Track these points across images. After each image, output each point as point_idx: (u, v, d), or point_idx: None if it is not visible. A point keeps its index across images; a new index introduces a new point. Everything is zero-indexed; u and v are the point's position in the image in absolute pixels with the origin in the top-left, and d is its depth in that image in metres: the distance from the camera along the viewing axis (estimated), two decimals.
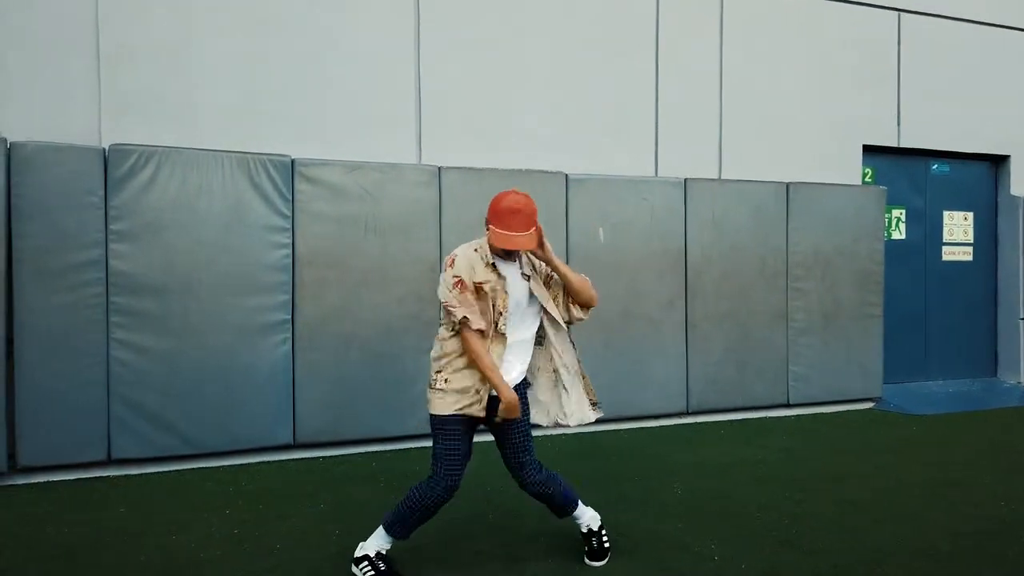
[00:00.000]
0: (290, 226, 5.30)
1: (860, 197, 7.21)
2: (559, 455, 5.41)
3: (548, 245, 3.32)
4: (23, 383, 4.70)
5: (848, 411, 7.07)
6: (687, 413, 6.55)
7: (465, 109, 6.18)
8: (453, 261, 3.20)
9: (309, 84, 5.72)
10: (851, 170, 7.59)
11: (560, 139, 6.45)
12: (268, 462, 5.21)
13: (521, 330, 3.30)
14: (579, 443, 5.79)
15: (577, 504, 3.53)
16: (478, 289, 3.16)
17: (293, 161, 5.34)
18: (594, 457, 5.38)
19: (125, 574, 3.35)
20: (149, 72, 5.31)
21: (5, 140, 4.67)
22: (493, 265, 3.21)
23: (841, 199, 7.09)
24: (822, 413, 6.97)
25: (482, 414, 3.18)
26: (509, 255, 3.28)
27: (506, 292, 3.20)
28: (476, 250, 3.25)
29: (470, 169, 5.84)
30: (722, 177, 7.02)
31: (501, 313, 3.18)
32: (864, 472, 4.99)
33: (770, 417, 6.76)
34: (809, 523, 4.00)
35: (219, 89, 5.49)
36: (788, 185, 6.89)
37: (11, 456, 4.68)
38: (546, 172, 6.07)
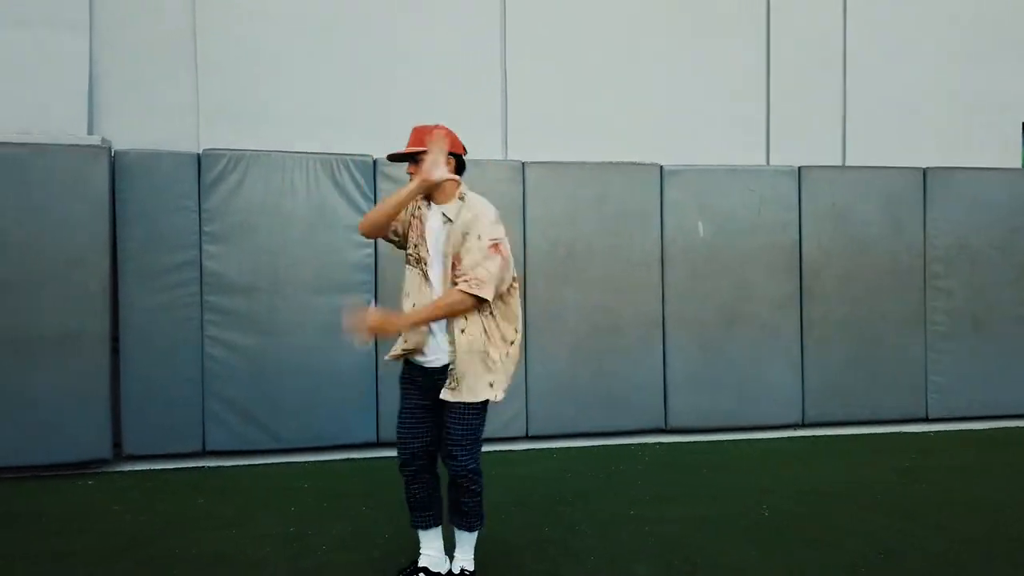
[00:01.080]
0: None
1: (1021, 182, 6.23)
2: (650, 465, 5.05)
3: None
4: (127, 377, 5.02)
5: (1003, 428, 6.12)
6: (802, 425, 5.94)
7: (552, 103, 5.96)
8: None
9: (393, 84, 5.73)
10: (1008, 151, 6.59)
11: (654, 129, 6.07)
12: (350, 459, 5.24)
13: (436, 285, 2.98)
14: (675, 453, 5.39)
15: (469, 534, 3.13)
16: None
17: (375, 161, 5.36)
18: (686, 470, 4.97)
19: (172, 565, 3.43)
20: (242, 78, 5.53)
21: (110, 148, 5.01)
22: (416, 209, 3.05)
23: (994, 185, 6.16)
24: (970, 430, 6.08)
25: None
26: (431, 195, 3.01)
27: (422, 234, 3.01)
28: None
29: (555, 163, 5.61)
30: (846, 163, 6.31)
31: (423, 258, 3.00)
32: (999, 501, 4.24)
33: (904, 433, 5.98)
34: (904, 560, 3.43)
35: (306, 92, 5.62)
36: (925, 171, 6.08)
37: (116, 444, 5.01)
38: (638, 164, 5.72)
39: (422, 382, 3.03)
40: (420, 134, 3.03)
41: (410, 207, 3.05)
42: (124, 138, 5.27)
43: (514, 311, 3.08)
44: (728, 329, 5.80)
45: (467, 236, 2.92)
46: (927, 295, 6.07)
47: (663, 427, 5.71)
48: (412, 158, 3.04)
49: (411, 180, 2.98)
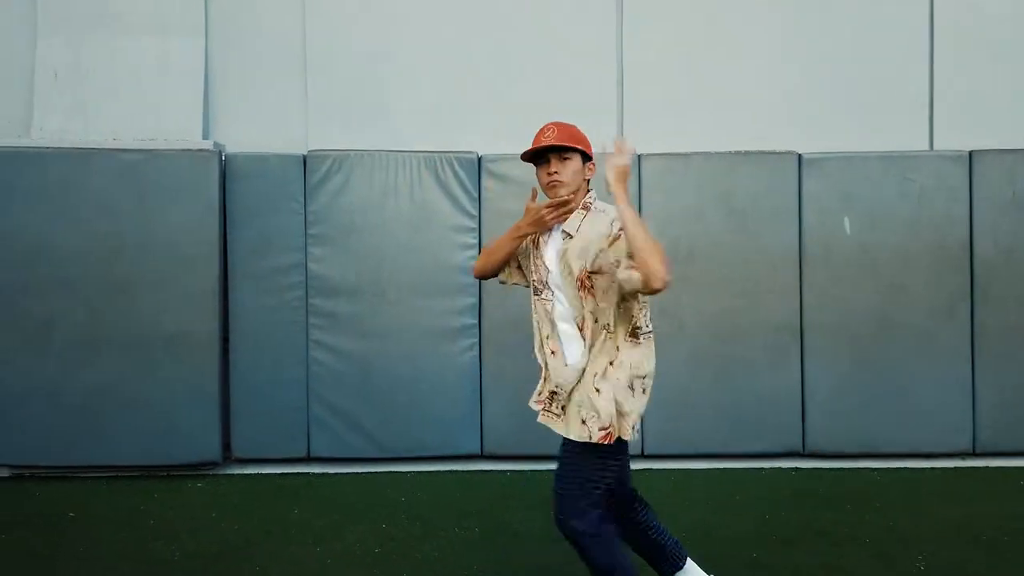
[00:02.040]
0: (477, 225, 5.04)
1: None
2: (783, 496, 4.44)
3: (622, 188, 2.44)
4: (236, 379, 5.03)
5: None
6: (972, 454, 5.06)
7: (672, 86, 5.42)
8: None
9: (500, 77, 5.41)
10: None
11: (789, 111, 5.38)
12: (453, 471, 5.00)
13: (562, 312, 2.58)
14: (814, 482, 4.72)
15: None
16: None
17: (480, 157, 5.08)
18: (826, 504, 4.31)
19: None
20: (349, 78, 5.41)
21: (221, 152, 5.03)
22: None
23: None
24: None
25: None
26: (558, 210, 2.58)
27: (540, 258, 2.64)
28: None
29: (675, 155, 5.08)
30: None
31: (539, 285, 2.65)
32: None
33: None
34: None
35: (411, 90, 5.42)
36: None
37: (226, 447, 5.04)
38: (770, 153, 5.08)
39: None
40: (566, 130, 2.59)
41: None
42: (236, 141, 5.29)
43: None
44: (879, 339, 5.03)
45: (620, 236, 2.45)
46: None
47: (800, 451, 5.04)
48: (555, 153, 2.58)
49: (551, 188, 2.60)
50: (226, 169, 5.01)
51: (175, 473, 4.96)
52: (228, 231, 5.01)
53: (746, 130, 5.32)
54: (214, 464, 4.99)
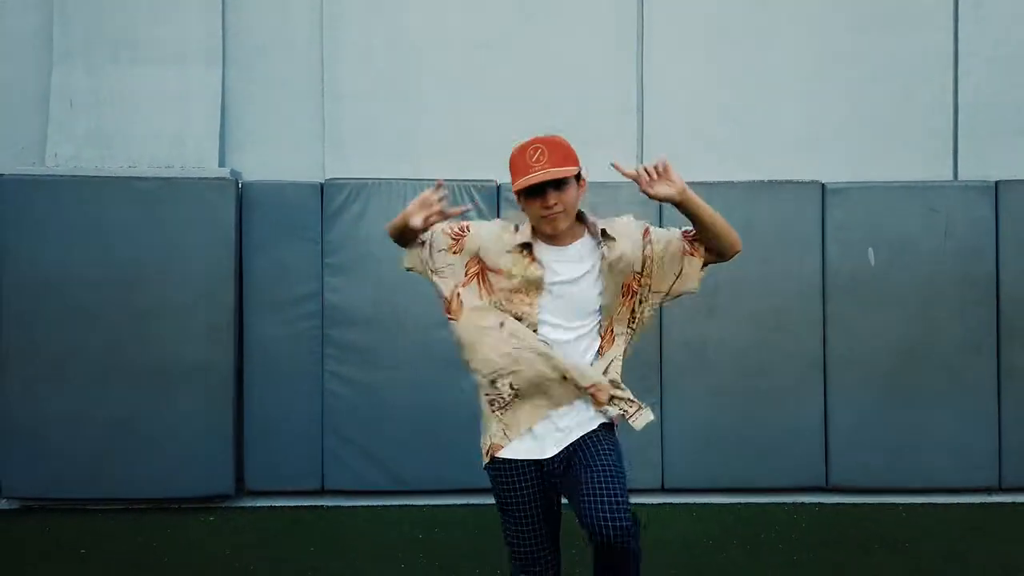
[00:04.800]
0: None
1: None
2: (807, 533, 4.35)
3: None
4: (250, 410, 4.96)
5: None
6: (999, 490, 4.96)
7: (693, 115, 5.38)
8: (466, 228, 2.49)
9: (517, 107, 5.37)
10: None
11: (814, 141, 5.33)
12: (470, 505, 4.90)
13: (563, 329, 2.41)
14: (838, 518, 4.63)
15: None
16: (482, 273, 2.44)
17: (499, 186, 5.03)
18: (851, 542, 4.22)
19: None
20: (366, 107, 5.38)
21: (237, 180, 4.99)
22: (527, 248, 2.38)
23: None
24: None
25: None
26: (556, 235, 2.38)
27: (540, 286, 2.37)
28: (516, 229, 2.44)
29: (697, 184, 4.95)
30: None
31: (526, 310, 2.38)
32: None
33: None
34: None
35: (429, 118, 5.39)
36: None
37: (239, 479, 4.96)
38: (794, 182, 5.02)
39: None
40: (558, 150, 2.33)
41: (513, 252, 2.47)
42: (253, 169, 5.26)
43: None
44: (904, 373, 4.95)
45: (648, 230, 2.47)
46: None
47: (823, 485, 4.96)
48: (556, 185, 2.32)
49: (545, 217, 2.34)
50: (242, 197, 4.96)
51: (186, 506, 4.88)
52: (244, 260, 4.96)
53: (769, 159, 5.27)
54: (226, 497, 4.92)
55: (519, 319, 2.40)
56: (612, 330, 2.46)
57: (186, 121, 5.21)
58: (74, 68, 5.17)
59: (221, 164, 5.25)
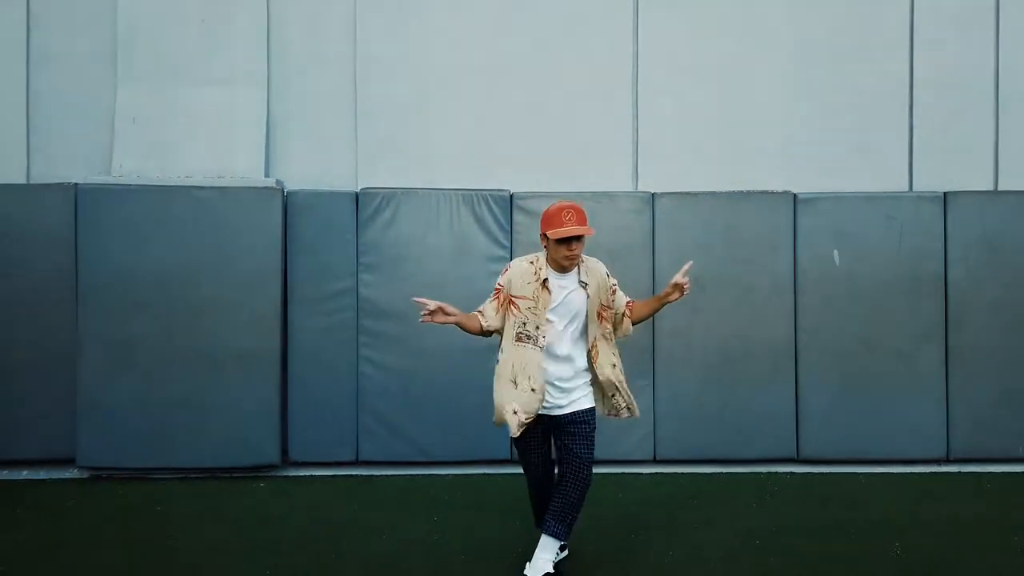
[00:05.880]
0: (508, 255, 5.67)
1: None
2: (779, 495, 5.07)
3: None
4: (294, 391, 5.65)
5: None
6: (947, 460, 5.71)
7: (682, 133, 6.10)
8: (507, 270, 3.62)
9: (528, 124, 6.08)
10: None
11: (787, 156, 6.06)
12: (486, 474, 5.60)
13: (566, 343, 3.53)
14: (806, 484, 5.35)
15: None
16: (511, 301, 3.52)
17: (512, 195, 5.73)
18: (816, 502, 4.95)
19: (337, 563, 3.90)
20: (394, 124, 6.08)
21: (283, 189, 5.67)
22: (544, 282, 3.48)
23: None
24: None
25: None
26: (566, 268, 3.50)
27: (546, 310, 3.48)
28: (532, 262, 3.57)
29: (684, 194, 5.75)
30: (998, 188, 6.02)
31: (538, 327, 3.48)
32: None
33: None
34: None
35: (450, 135, 6.09)
36: None
37: (284, 451, 5.64)
38: (769, 192, 5.75)
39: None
40: (582, 214, 3.46)
41: (534, 282, 3.53)
42: (294, 179, 5.95)
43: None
44: (865, 359, 5.69)
45: (614, 288, 3.66)
46: None
47: (795, 457, 5.69)
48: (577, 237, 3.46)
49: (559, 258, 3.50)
50: (288, 205, 5.64)
51: (237, 475, 5.55)
52: (288, 259, 5.64)
53: (748, 172, 6.01)
54: (273, 467, 5.60)
55: (535, 316, 3.52)
56: (591, 328, 3.59)
57: (235, 136, 5.89)
58: (136, 89, 5.84)
59: (266, 175, 5.93)
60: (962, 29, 6.07)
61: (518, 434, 3.51)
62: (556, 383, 3.51)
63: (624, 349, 5.32)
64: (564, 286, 3.52)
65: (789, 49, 6.13)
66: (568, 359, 3.53)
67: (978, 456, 5.69)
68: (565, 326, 3.51)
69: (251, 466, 5.56)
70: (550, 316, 3.48)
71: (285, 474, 5.62)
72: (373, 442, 5.65)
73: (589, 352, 3.58)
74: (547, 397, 3.49)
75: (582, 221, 3.41)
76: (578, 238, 3.43)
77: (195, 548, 4.15)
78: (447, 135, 6.10)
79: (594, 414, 3.62)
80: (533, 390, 3.44)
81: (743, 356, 5.69)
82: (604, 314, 3.59)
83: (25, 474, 5.53)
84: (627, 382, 3.70)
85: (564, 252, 3.43)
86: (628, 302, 3.70)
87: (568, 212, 3.40)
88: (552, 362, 3.51)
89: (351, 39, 6.08)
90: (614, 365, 3.61)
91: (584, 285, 3.53)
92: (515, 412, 3.47)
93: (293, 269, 5.65)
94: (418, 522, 4.57)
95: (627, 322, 3.71)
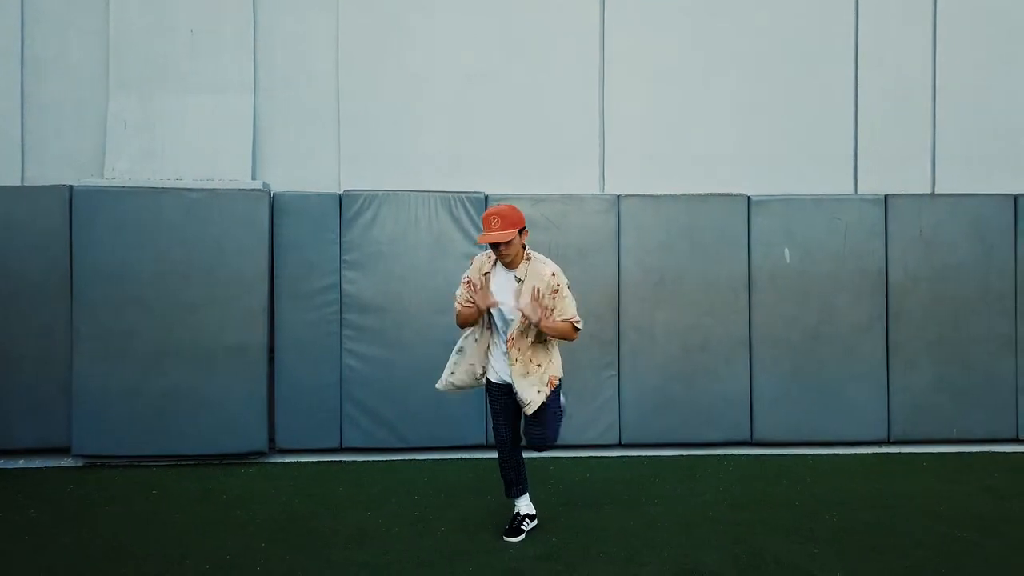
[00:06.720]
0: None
1: None
2: (733, 475, 5.51)
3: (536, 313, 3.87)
4: (281, 382, 5.97)
5: None
6: (888, 442, 6.20)
7: (646, 139, 6.53)
8: (471, 263, 4.14)
9: (501, 129, 6.48)
10: None
11: (742, 161, 6.52)
12: (463, 459, 5.96)
13: (507, 326, 4.00)
14: (759, 465, 5.80)
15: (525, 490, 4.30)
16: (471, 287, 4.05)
17: (486, 197, 6.10)
18: (767, 480, 5.39)
19: (331, 535, 4.25)
20: (376, 129, 6.43)
21: (270, 191, 5.99)
22: (486, 274, 4.01)
23: None
24: None
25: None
26: (507, 264, 3.96)
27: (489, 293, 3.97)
28: (489, 257, 4.07)
29: (648, 196, 6.17)
30: (936, 191, 6.53)
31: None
32: None
33: (993, 452, 6.12)
34: (965, 565, 3.77)
35: (428, 139, 6.46)
36: (1016, 197, 6.22)
37: (271, 439, 5.97)
38: (726, 195, 6.19)
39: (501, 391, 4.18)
40: (505, 220, 3.85)
41: (480, 274, 4.03)
42: (280, 181, 6.27)
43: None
44: (813, 349, 6.15)
45: (556, 288, 3.94)
46: (1018, 319, 6.19)
47: (749, 440, 6.14)
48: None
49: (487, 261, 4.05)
50: (274, 206, 5.96)
51: (227, 462, 5.86)
52: (275, 257, 5.96)
53: (706, 177, 6.45)
54: (261, 453, 5.92)
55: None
56: (512, 322, 4.02)
57: (223, 140, 6.20)
58: (128, 95, 6.12)
59: (253, 177, 6.24)
60: (902, 45, 6.57)
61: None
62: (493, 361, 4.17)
63: (592, 341, 5.75)
64: (500, 281, 4.01)
65: (745, 63, 6.57)
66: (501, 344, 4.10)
67: (916, 438, 6.18)
68: (500, 315, 4.03)
69: (240, 453, 5.87)
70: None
71: (272, 460, 5.94)
72: (356, 430, 5.99)
73: (506, 341, 4.04)
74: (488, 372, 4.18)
75: (506, 226, 3.82)
76: (508, 240, 3.85)
77: (189, 526, 4.46)
78: (425, 140, 6.47)
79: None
80: (472, 364, 4.20)
81: (702, 347, 6.12)
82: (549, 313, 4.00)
83: (22, 463, 5.78)
84: (555, 383, 4.08)
85: (496, 252, 3.93)
86: (572, 318, 4.00)
87: (493, 218, 3.83)
88: (494, 345, 4.13)
89: (334, 49, 6.41)
90: (517, 360, 3.98)
91: (519, 281, 3.95)
92: (452, 373, 4.24)
93: (280, 267, 5.96)
94: (400, 500, 4.92)
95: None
